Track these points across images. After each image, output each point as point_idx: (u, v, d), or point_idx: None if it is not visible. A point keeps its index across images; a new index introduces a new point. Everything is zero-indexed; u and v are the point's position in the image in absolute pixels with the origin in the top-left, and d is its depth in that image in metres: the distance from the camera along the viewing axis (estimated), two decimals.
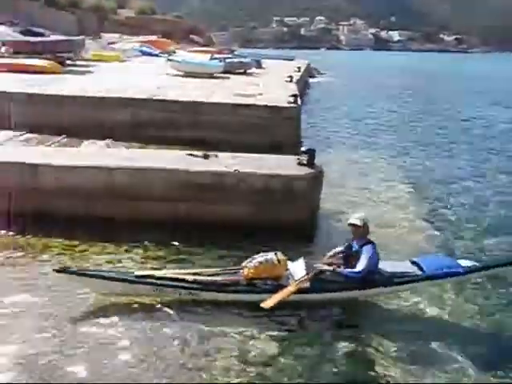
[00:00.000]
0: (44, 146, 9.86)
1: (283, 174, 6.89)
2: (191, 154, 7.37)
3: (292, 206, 6.86)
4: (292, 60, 34.70)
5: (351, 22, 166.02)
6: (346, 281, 4.92)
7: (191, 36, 50.50)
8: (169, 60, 19.11)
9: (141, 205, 6.75)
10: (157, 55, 27.72)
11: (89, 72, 17.78)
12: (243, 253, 6.02)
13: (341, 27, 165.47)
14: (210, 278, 5.02)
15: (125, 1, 53.68)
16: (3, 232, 6.42)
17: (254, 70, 21.15)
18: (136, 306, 4.93)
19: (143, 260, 5.96)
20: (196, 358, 4.22)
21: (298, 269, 5.03)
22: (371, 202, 8.64)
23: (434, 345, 4.58)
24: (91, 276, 4.95)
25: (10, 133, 10.65)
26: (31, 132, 10.85)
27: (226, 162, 7.09)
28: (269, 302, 4.67)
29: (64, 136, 10.76)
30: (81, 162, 7.07)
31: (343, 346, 4.51)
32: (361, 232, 5.01)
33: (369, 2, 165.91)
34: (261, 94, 13.80)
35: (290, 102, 12.39)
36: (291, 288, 4.79)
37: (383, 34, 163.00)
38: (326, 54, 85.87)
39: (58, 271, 4.87)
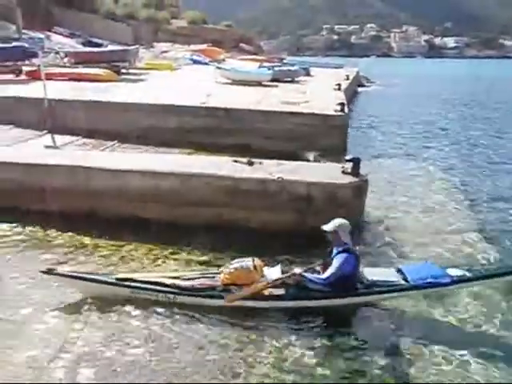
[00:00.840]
0: (98, 150, 10.36)
1: (327, 183, 6.86)
2: (236, 161, 7.49)
3: (335, 214, 6.78)
4: (341, 68, 34.44)
5: (403, 29, 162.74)
6: (314, 287, 4.89)
7: (241, 44, 51.24)
8: (218, 68, 19.50)
9: (185, 209, 6.92)
10: (207, 64, 28.32)
11: (141, 80, 18.48)
12: (284, 259, 6.10)
13: (392, 34, 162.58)
14: (187, 283, 5.01)
15: (178, 11, 55.39)
16: (59, 232, 6.74)
17: (302, 78, 21.16)
18: (178, 313, 4.92)
19: (187, 263, 6.09)
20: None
21: (273, 275, 5.01)
22: (417, 211, 8.40)
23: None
24: (74, 277, 5.06)
25: (67, 137, 11.26)
26: (87, 137, 11.44)
27: (270, 170, 7.14)
28: (230, 298, 4.74)
29: (116, 141, 11.26)
30: (130, 166, 7.35)
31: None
32: (334, 238, 5.00)
33: (422, 9, 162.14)
34: (308, 102, 13.81)
35: (337, 111, 12.33)
36: (257, 286, 4.80)
37: (437, 40, 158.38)
38: (377, 61, 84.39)
39: (44, 272, 5.00)
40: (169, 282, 4.99)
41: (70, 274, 5.12)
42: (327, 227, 5.03)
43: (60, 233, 6.70)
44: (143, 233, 6.55)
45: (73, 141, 11.20)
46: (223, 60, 31.01)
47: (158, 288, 4.95)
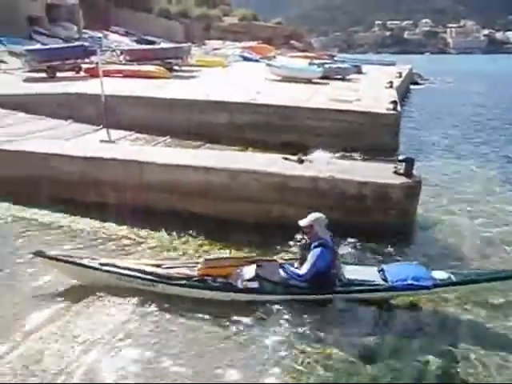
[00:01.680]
0: (150, 145, 10.66)
1: (378, 182, 6.71)
2: (286, 158, 7.47)
3: (385, 215, 6.66)
4: (393, 65, 33.52)
5: (461, 23, 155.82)
6: (291, 283, 4.84)
7: (291, 41, 51.06)
8: (268, 65, 19.52)
9: (235, 205, 6.99)
10: (257, 60, 28.44)
11: (193, 77, 18.82)
12: None
13: (448, 30, 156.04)
14: (166, 271, 5.08)
15: (229, 9, 55.95)
16: (114, 223, 6.97)
17: (353, 75, 20.80)
18: (228, 318, 4.88)
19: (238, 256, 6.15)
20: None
21: (249, 272, 4.99)
22: (471, 215, 8.04)
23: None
24: (61, 261, 5.14)
25: (122, 132, 11.66)
26: (139, 132, 11.80)
27: (320, 168, 7.08)
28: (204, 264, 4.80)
29: (168, 137, 11.54)
30: (182, 161, 7.50)
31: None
32: (310, 233, 4.94)
33: (481, 2, 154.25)
34: (359, 100, 13.57)
35: (388, 109, 12.04)
36: (238, 258, 4.98)
37: (499, 35, 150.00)
38: (431, 58, 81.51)
39: (34, 254, 5.18)
40: (149, 269, 5.08)
41: (55, 256, 5.20)
42: (302, 222, 4.98)
43: (114, 225, 6.93)
44: (194, 227, 6.65)
45: (126, 135, 11.59)
46: (273, 57, 31.00)
47: (138, 275, 5.02)
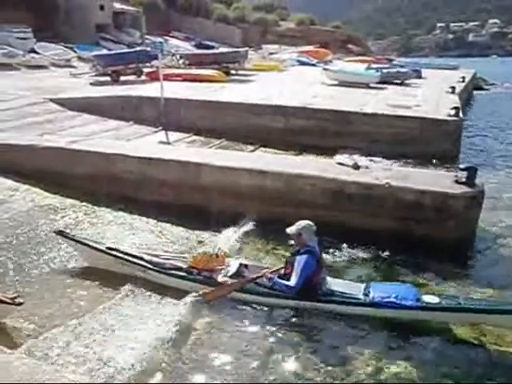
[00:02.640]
0: (206, 147, 10.90)
1: (438, 191, 6.48)
2: (341, 164, 7.38)
3: (445, 226, 6.41)
4: (456, 69, 32.22)
5: None
6: (281, 292, 4.86)
7: (348, 45, 50.39)
8: (325, 69, 19.37)
9: (289, 209, 6.97)
10: (314, 65, 28.26)
11: (249, 81, 19.03)
12: (385, 266, 5.99)
13: None
14: (160, 261, 5.40)
15: (287, 13, 56.09)
16: (169, 223, 7.17)
17: (412, 80, 20.19)
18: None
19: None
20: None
21: (233, 267, 5.18)
22: None
23: None
24: (76, 241, 5.72)
25: (179, 134, 12.01)
26: (196, 134, 12.10)
27: (376, 174, 6.94)
28: (210, 297, 4.81)
29: (223, 139, 11.75)
30: (237, 164, 7.60)
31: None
32: (298, 241, 4.97)
33: None
34: (418, 106, 13.17)
35: (450, 115, 11.60)
36: (234, 284, 4.86)
37: None
38: (498, 61, 77.48)
39: (55, 233, 5.87)
40: (147, 257, 5.45)
41: (72, 237, 5.79)
42: (290, 230, 4.99)
43: (170, 224, 7.14)
44: (248, 230, 6.74)
45: (183, 138, 11.93)
46: (330, 61, 30.73)
47: (135, 261, 5.42)
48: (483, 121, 18.97)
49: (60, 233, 5.84)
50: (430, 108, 12.82)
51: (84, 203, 7.70)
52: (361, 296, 4.81)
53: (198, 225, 7.00)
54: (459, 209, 6.39)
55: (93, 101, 13.48)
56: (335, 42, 48.13)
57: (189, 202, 7.42)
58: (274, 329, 4.66)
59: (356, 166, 7.20)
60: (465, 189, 6.48)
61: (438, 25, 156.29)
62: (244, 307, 4.96)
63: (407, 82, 19.65)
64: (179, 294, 5.11)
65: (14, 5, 21.39)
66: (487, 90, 31.98)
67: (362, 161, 8.27)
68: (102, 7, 27.62)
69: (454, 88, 16.68)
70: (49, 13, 24.40)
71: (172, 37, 33.83)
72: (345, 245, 6.41)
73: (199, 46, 32.62)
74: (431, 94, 16.27)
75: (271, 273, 4.97)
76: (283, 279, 4.93)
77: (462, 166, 6.91)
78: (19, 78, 17.26)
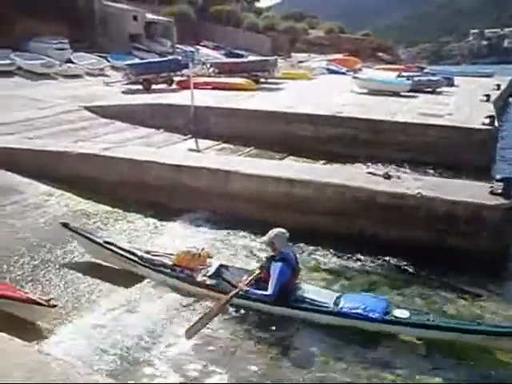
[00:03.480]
0: (235, 155, 10.97)
1: (472, 202, 6.31)
2: (371, 173, 7.30)
3: (479, 238, 6.24)
4: (490, 76, 31.43)
5: None
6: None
7: (378, 53, 49.96)
8: (354, 78, 19.25)
9: (317, 218, 6.95)
10: (343, 73, 28.12)
11: (278, 89, 19.10)
12: (415, 279, 5.88)
13: None
14: (149, 257, 5.69)
15: (316, 22, 56.16)
16: (201, 231, 7.27)
17: (444, 88, 19.82)
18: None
19: (314, 270, 6.13)
20: None
21: (213, 267, 5.37)
22: None
23: None
24: (78, 234, 6.05)
25: (208, 142, 12.15)
26: (226, 142, 12.21)
27: (407, 184, 6.83)
28: (191, 333, 4.58)
29: (252, 147, 11.81)
30: (265, 172, 7.61)
31: None
32: (272, 249, 5.09)
33: None
34: (450, 114, 12.91)
35: (484, 124, 11.31)
36: (214, 312, 4.77)
37: None
38: None
39: (61, 224, 6.17)
40: (139, 253, 5.77)
41: (75, 230, 6.11)
42: (263, 238, 5.17)
43: (197, 230, 7.22)
44: None
45: (213, 145, 12.05)
46: (359, 69, 30.51)
47: (127, 255, 5.75)
48: None
49: (65, 225, 6.16)
50: (463, 117, 12.55)
51: (116, 209, 7.86)
52: (331, 305, 4.88)
53: (226, 230, 7.08)
54: (495, 221, 6.21)
55: (125, 108, 13.81)
56: (365, 50, 47.79)
57: (218, 209, 7.50)
58: (245, 331, 4.80)
59: (387, 176, 7.10)
60: (501, 200, 6.29)
61: (472, 31, 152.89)
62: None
63: (439, 90, 19.30)
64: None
65: (53, 18, 22.18)
66: None
67: (393, 170, 8.14)
68: (135, 18, 28.31)
69: (488, 96, 16.27)
70: (85, 24, 25.19)
71: (202, 46, 34.29)
72: (372, 255, 6.31)
73: (229, 54, 32.93)
74: (464, 102, 15.93)
75: (246, 284, 5.02)
76: (259, 283, 5.02)
77: (498, 177, 6.72)
78: (56, 86, 17.85)
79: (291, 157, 11.14)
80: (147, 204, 7.89)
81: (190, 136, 12.45)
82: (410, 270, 6.09)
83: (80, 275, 5.81)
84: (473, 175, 9.42)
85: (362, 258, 6.33)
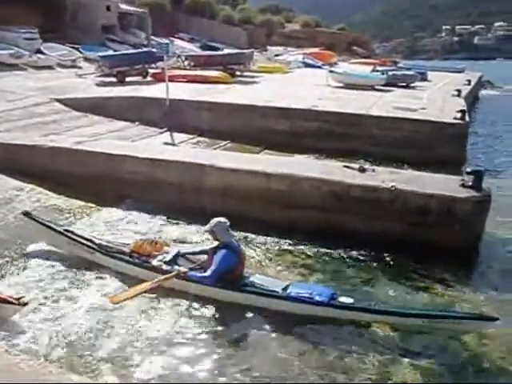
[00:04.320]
0: (211, 148, 10.89)
1: (444, 195, 6.43)
2: (347, 166, 7.36)
3: (451, 230, 6.37)
4: (461, 72, 32.12)
5: None
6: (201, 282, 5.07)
7: (353, 47, 50.34)
8: (330, 72, 19.35)
9: (293, 212, 6.97)
10: (319, 67, 28.25)
11: (254, 82, 19.04)
12: (388, 270, 5.99)
13: None
14: (107, 244, 5.76)
15: (292, 15, 56.13)
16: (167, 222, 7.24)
17: (418, 82, 20.14)
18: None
19: (292, 264, 6.15)
20: None
21: (170, 254, 5.43)
22: None
23: None
24: (39, 223, 6.07)
25: (184, 135, 12.02)
26: (200, 136, 12.10)
27: (382, 177, 6.91)
28: (116, 298, 4.80)
29: (228, 141, 11.74)
30: (240, 165, 7.57)
31: None
32: (213, 237, 5.30)
33: None
34: (424, 109, 13.13)
35: (456, 118, 11.55)
36: (143, 286, 4.92)
37: None
38: (505, 64, 77.11)
39: (23, 214, 6.21)
40: (96, 241, 5.85)
41: (36, 218, 6.14)
42: (205, 227, 5.33)
43: (166, 223, 7.18)
44: (251, 232, 6.72)
45: (188, 139, 11.93)
46: (335, 63, 30.70)
47: (85, 242, 5.82)
48: (489, 124, 18.89)
49: (26, 214, 6.18)
50: (436, 111, 12.78)
51: (89, 204, 7.71)
52: (279, 291, 5.03)
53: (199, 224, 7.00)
54: (466, 213, 6.34)
55: (98, 101, 13.51)
56: (340, 44, 48.08)
57: (193, 203, 7.41)
58: (189, 317, 4.89)
59: (362, 169, 7.17)
60: (471, 193, 6.44)
61: (444, 27, 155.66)
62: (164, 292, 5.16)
63: (413, 84, 19.61)
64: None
65: (23, 6, 21.50)
66: (493, 92, 31.83)
67: (368, 164, 8.22)
68: (108, 8, 27.70)
69: (459, 91, 16.63)
70: (56, 14, 24.48)
71: (177, 38, 33.85)
72: (348, 248, 6.38)
73: (204, 47, 32.62)
74: (437, 96, 16.22)
75: (189, 268, 5.19)
76: (206, 269, 5.14)
77: (468, 170, 6.88)
78: (25, 78, 17.30)
79: (267, 151, 11.12)
80: (120, 198, 7.76)
81: (165, 129, 12.28)
82: (386, 262, 6.18)
83: (50, 270, 5.68)
84: (445, 169, 9.62)
85: (338, 251, 6.38)
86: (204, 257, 5.39)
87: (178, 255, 5.50)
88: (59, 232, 6.00)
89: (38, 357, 3.72)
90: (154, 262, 5.39)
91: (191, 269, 5.23)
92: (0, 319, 4.52)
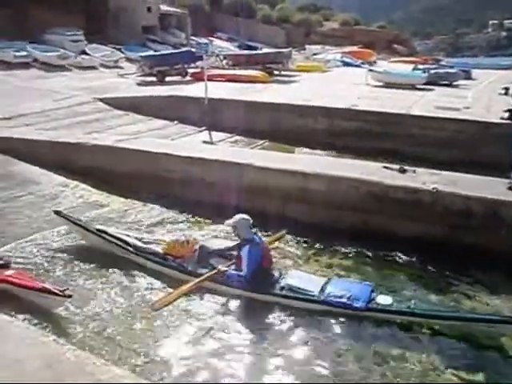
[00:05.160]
0: (249, 147, 10.94)
1: (489, 198, 6.21)
2: (387, 167, 7.21)
3: (497, 234, 6.14)
4: (510, 69, 30.78)
5: None
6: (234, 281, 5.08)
7: (394, 45, 49.25)
8: (370, 70, 19.01)
9: (331, 212, 6.90)
10: (358, 65, 27.77)
11: (292, 81, 18.96)
12: (429, 274, 5.84)
13: None
14: (142, 245, 5.79)
15: (330, 13, 55.50)
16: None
17: (461, 81, 19.47)
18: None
19: (328, 266, 6.09)
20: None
21: (201, 254, 5.47)
22: None
23: None
24: (71, 221, 6.18)
25: (222, 134, 12.12)
26: (239, 135, 12.17)
27: (423, 179, 6.73)
28: (158, 305, 4.75)
29: (266, 140, 11.76)
30: (278, 165, 7.55)
31: None
32: (236, 234, 5.31)
33: None
34: (468, 108, 12.70)
35: (503, 118, 11.10)
36: (183, 288, 4.90)
37: None
38: None
39: (54, 212, 6.28)
40: (130, 240, 5.88)
41: (68, 217, 6.24)
42: (227, 223, 5.38)
43: (202, 220, 7.26)
44: (288, 231, 6.68)
45: (227, 137, 12.03)
46: (374, 62, 30.14)
47: (119, 243, 5.87)
48: None
49: (58, 213, 6.26)
50: (481, 110, 12.34)
51: (129, 200, 7.90)
52: (317, 292, 4.99)
53: None
54: None
55: (139, 100, 13.83)
56: (380, 43, 47.07)
57: (232, 201, 7.38)
58: (226, 318, 4.90)
59: (402, 170, 7.01)
60: None
61: (491, 22, 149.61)
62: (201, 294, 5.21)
63: (456, 83, 18.97)
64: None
65: (68, 9, 22.31)
66: None
67: (407, 164, 8.00)
68: (149, 9, 28.31)
69: (507, 89, 15.94)
70: (100, 16, 25.27)
71: (216, 38, 34.17)
72: (387, 250, 6.25)
73: (243, 46, 32.78)
74: (482, 95, 15.65)
75: (225, 267, 5.21)
76: (236, 268, 5.20)
77: None
78: (71, 78, 17.95)
79: (305, 150, 11.07)
80: (158, 195, 7.90)
81: (204, 128, 12.43)
82: (425, 266, 6.02)
83: (93, 265, 5.85)
84: (490, 170, 9.26)
85: (376, 252, 6.27)
86: (233, 253, 5.45)
87: (209, 253, 5.57)
88: (91, 231, 6.11)
89: (83, 348, 3.83)
90: (190, 267, 5.44)
91: (228, 266, 5.28)
92: (46, 311, 4.72)
